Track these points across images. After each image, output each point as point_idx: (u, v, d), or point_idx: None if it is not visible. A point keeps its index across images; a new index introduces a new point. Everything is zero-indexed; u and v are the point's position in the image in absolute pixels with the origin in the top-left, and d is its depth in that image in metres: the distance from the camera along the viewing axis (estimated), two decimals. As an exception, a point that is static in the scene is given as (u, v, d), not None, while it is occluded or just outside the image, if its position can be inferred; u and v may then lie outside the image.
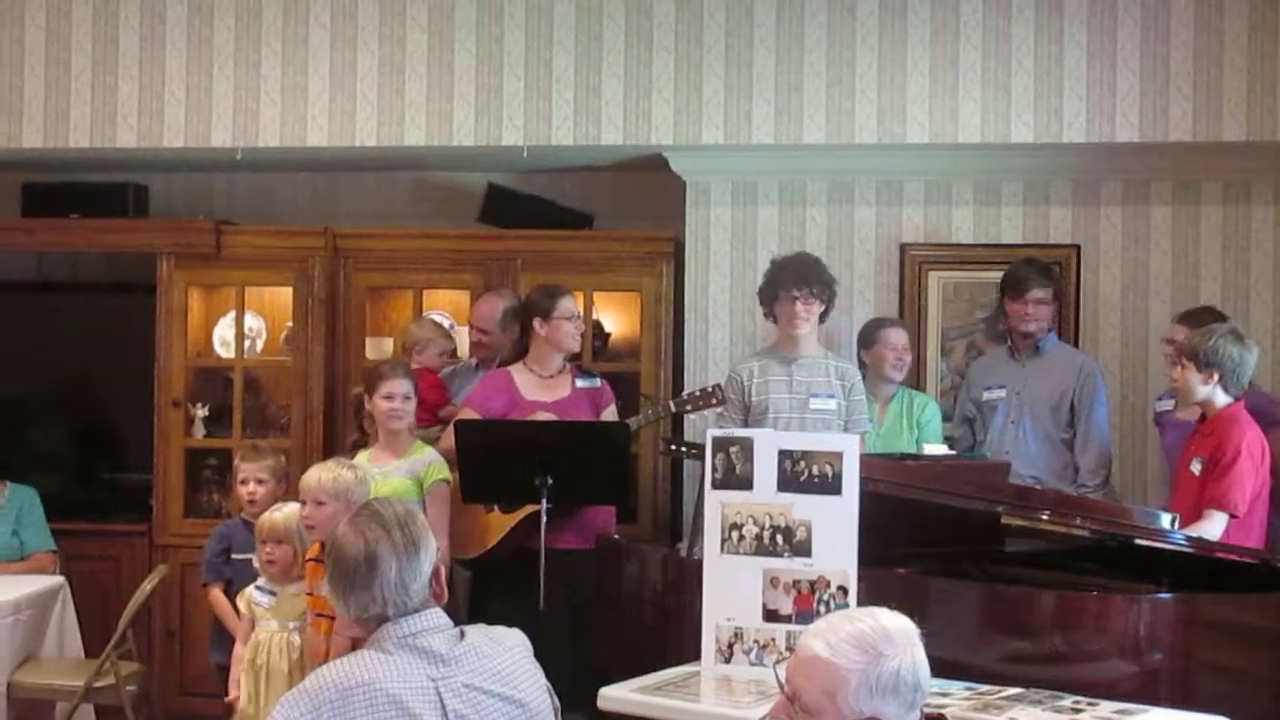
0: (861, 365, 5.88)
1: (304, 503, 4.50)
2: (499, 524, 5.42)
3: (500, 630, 3.06)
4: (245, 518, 5.38)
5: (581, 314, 5.66)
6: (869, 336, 5.92)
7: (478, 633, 2.99)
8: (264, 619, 4.74)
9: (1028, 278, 5.82)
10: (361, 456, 5.13)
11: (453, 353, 6.21)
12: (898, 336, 5.88)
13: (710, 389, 5.59)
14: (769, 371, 5.58)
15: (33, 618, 5.69)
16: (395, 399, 5.18)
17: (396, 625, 2.89)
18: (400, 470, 5.15)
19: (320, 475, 4.48)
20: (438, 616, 2.94)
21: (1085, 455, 5.76)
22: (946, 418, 6.12)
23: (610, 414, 5.59)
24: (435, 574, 2.97)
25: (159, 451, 6.51)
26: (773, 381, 5.55)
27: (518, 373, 5.60)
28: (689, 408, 5.64)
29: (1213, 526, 4.70)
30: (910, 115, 5.97)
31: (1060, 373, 5.81)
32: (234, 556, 5.30)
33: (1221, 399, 4.85)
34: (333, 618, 4.37)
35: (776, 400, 5.53)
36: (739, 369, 5.67)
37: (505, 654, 2.98)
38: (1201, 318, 5.48)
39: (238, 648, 4.84)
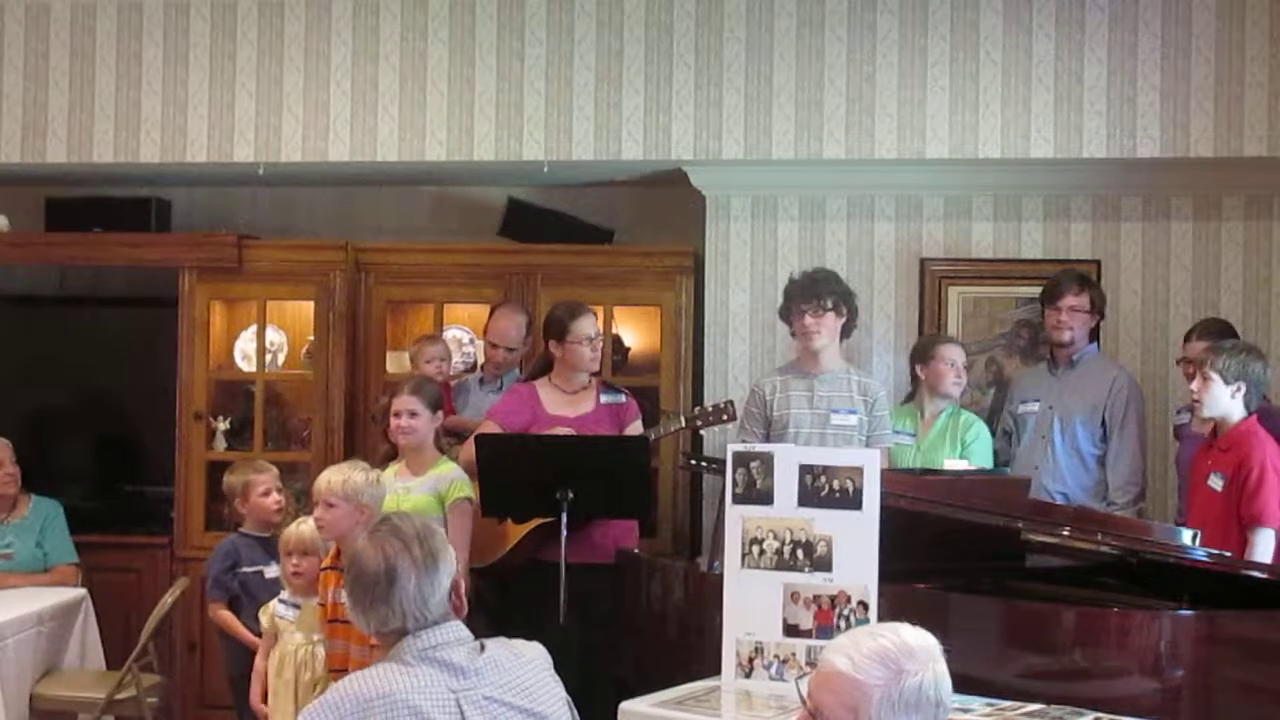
0: (914, 379, 5.86)
1: (315, 505, 4.52)
2: (515, 533, 5.43)
3: (520, 643, 3.07)
4: (253, 532, 5.40)
5: (599, 334, 5.62)
6: (926, 352, 5.85)
7: (498, 645, 3.00)
8: (288, 631, 4.75)
9: (1061, 284, 5.78)
10: (390, 470, 5.14)
11: (437, 358, 6.19)
12: (957, 354, 5.81)
13: (722, 405, 5.57)
14: (790, 387, 5.57)
15: (55, 629, 5.72)
16: (401, 416, 5.20)
17: (416, 638, 2.91)
18: (422, 487, 5.15)
19: (331, 478, 4.49)
20: (458, 629, 2.96)
21: (1115, 472, 5.68)
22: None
23: (635, 430, 5.57)
24: (455, 587, 2.99)
25: (180, 464, 6.54)
26: (794, 396, 5.55)
27: (542, 387, 5.62)
28: (700, 423, 5.63)
29: (1263, 545, 4.70)
30: (930, 130, 5.98)
31: (1093, 386, 5.74)
32: (242, 570, 5.32)
33: (1239, 413, 4.85)
34: (347, 623, 4.39)
35: (797, 415, 5.52)
36: (761, 384, 5.67)
37: (525, 667, 3.00)
38: (1214, 328, 5.50)
39: (259, 661, 4.85)
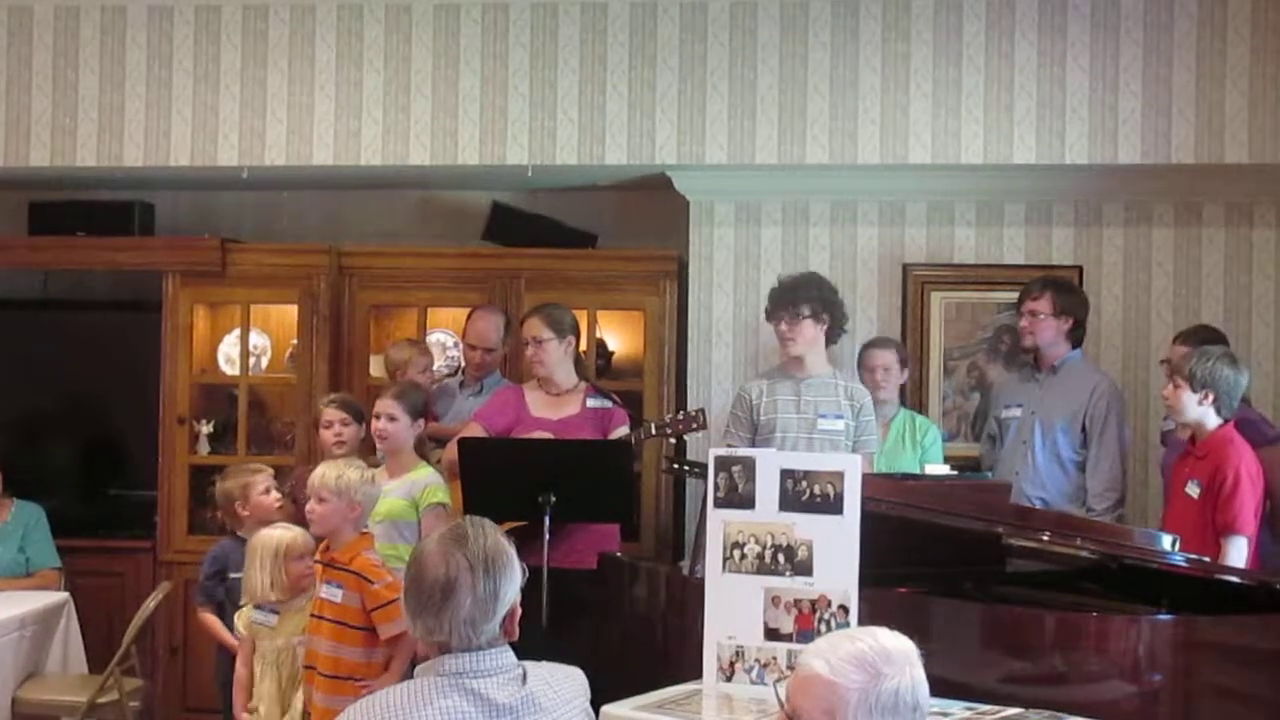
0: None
1: (308, 498, 4.55)
2: None
3: (561, 676, 2.97)
4: (243, 536, 5.39)
5: (548, 338, 5.57)
6: (858, 358, 5.94)
7: (539, 678, 2.89)
8: (268, 637, 4.74)
9: (1026, 289, 5.80)
10: None
11: (429, 368, 6.21)
12: (878, 357, 5.86)
13: (693, 413, 5.53)
14: (777, 391, 5.54)
15: (37, 633, 5.71)
16: (380, 418, 5.22)
17: (457, 659, 2.79)
18: (398, 490, 5.15)
19: (325, 473, 4.52)
20: (503, 656, 2.83)
21: (1095, 478, 5.68)
22: (949, 438, 6.14)
23: (619, 436, 5.57)
24: (510, 614, 2.86)
25: (164, 468, 6.53)
26: (781, 401, 5.52)
27: (530, 390, 5.64)
28: (669, 431, 5.59)
29: (1237, 553, 4.72)
30: (913, 136, 6.00)
31: (1074, 392, 5.75)
32: (231, 576, 5.31)
33: (1213, 421, 4.87)
34: (334, 621, 4.39)
35: (784, 419, 5.50)
36: (748, 387, 5.65)
37: (563, 708, 2.90)
38: (1199, 335, 5.50)
39: (239, 669, 4.83)
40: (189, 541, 6.45)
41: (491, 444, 5.40)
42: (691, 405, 6.14)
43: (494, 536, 2.89)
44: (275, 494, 5.42)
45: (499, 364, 6.17)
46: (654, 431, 5.58)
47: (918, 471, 5.59)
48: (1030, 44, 5.97)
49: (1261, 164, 5.90)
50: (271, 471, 5.51)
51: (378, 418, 5.23)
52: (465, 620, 2.77)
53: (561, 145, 6.13)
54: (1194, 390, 4.83)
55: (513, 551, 2.89)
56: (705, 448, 5.34)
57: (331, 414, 5.43)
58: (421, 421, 5.35)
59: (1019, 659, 4.04)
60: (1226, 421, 4.88)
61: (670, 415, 5.80)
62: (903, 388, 6.13)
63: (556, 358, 5.60)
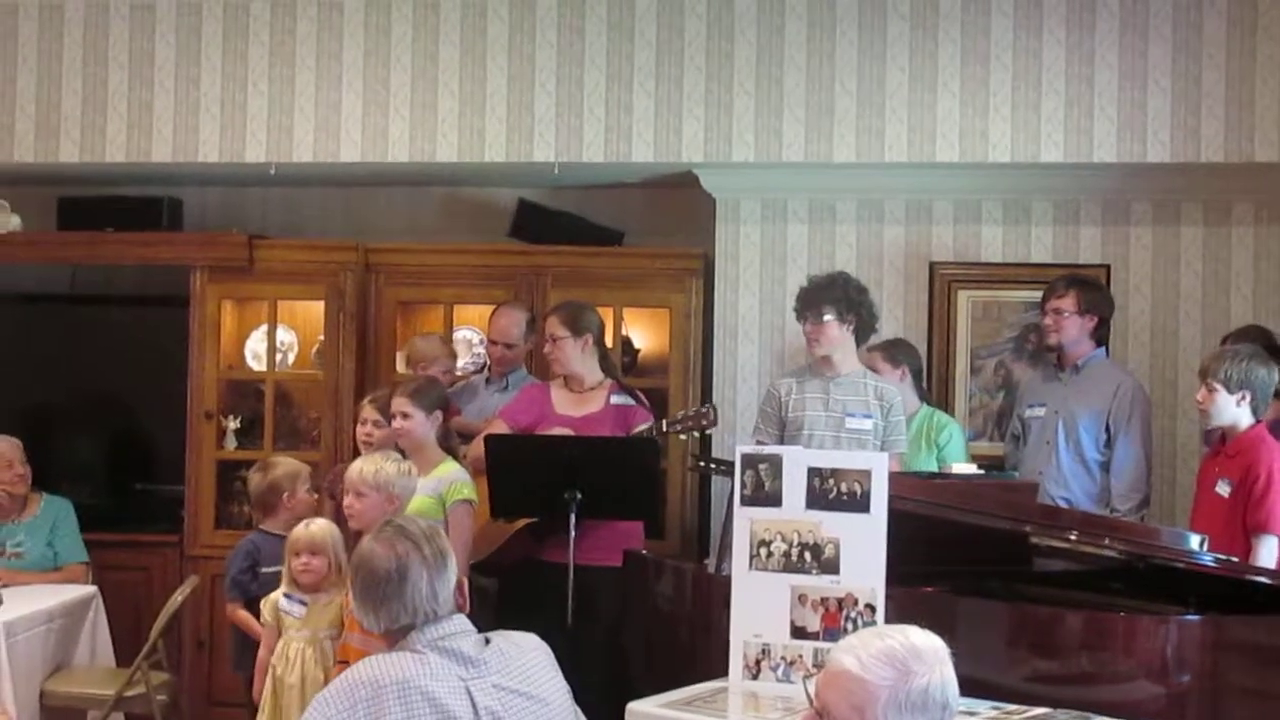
0: None
1: (346, 493, 4.55)
2: (508, 531, 5.44)
3: (518, 635, 3.21)
4: (275, 530, 5.40)
5: (562, 336, 5.59)
6: None
7: (500, 638, 3.14)
8: (294, 628, 4.74)
9: (1050, 287, 5.79)
10: None
11: (452, 369, 6.23)
12: (874, 360, 5.83)
13: (703, 410, 5.52)
14: (806, 388, 5.51)
15: (65, 627, 5.74)
16: (396, 418, 5.23)
17: (423, 632, 3.02)
18: (424, 488, 5.12)
19: (363, 467, 4.54)
20: (463, 622, 3.09)
21: (1118, 479, 5.66)
22: (974, 437, 6.12)
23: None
24: (458, 586, 3.13)
25: (191, 463, 6.56)
26: (809, 399, 5.50)
27: (555, 387, 5.66)
28: (679, 428, 5.58)
29: (1268, 553, 4.70)
30: (940, 134, 5.99)
31: (1098, 392, 5.72)
32: (262, 570, 5.31)
33: (1246, 420, 4.85)
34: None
35: (812, 417, 5.47)
36: (777, 384, 5.62)
37: (527, 655, 3.14)
38: (1250, 335, 5.46)
39: (263, 654, 4.84)
40: (216, 536, 6.48)
41: (519, 440, 5.41)
42: (716, 403, 6.13)
43: (424, 520, 3.24)
44: (313, 492, 5.44)
45: (521, 360, 6.17)
46: (665, 429, 5.58)
47: (937, 471, 5.58)
48: (1058, 42, 5.95)
49: (1292, 163, 5.87)
50: (308, 469, 5.53)
51: (393, 417, 5.23)
52: (426, 594, 3.05)
53: (588, 142, 6.14)
54: (1231, 392, 4.81)
55: (443, 529, 3.32)
56: (732, 445, 5.33)
57: (368, 412, 5.44)
58: (439, 414, 5.33)
59: (1046, 658, 4.03)
60: (1259, 421, 4.86)
61: (682, 412, 5.80)
62: (927, 386, 6.13)
63: (572, 356, 5.61)
